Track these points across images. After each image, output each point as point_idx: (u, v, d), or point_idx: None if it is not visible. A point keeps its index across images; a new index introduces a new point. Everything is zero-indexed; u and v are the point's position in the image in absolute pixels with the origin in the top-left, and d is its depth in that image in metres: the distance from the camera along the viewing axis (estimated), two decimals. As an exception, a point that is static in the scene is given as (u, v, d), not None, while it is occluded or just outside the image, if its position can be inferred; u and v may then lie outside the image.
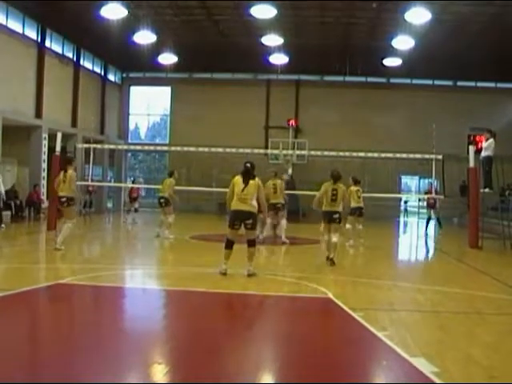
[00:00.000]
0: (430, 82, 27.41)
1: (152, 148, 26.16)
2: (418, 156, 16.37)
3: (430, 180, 19.46)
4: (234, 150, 17.37)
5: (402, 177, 28.38)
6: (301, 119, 27.35)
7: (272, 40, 21.98)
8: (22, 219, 18.56)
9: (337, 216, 9.57)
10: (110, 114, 27.71)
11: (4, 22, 18.80)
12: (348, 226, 13.16)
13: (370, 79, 27.62)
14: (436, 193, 17.41)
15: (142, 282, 8.27)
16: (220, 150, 17.92)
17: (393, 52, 22.98)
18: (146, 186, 23.68)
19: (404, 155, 16.92)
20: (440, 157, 15.25)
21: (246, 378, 3.96)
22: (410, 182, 31.14)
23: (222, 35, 24.26)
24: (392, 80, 27.42)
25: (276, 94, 27.87)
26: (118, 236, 16.70)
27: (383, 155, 17.81)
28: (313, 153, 21.23)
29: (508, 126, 24.29)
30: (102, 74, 26.99)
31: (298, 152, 23.03)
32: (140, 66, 27.22)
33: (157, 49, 23.25)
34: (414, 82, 27.51)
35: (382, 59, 24.39)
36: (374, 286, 7.82)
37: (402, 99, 26.71)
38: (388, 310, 6.32)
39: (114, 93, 28.30)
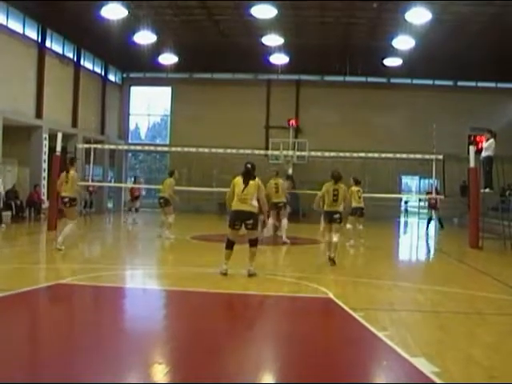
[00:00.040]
0: (430, 81, 27.41)
1: (152, 148, 26.17)
2: (419, 156, 16.37)
3: (430, 181, 19.44)
4: (234, 150, 17.37)
5: (403, 177, 28.37)
6: (301, 119, 27.35)
7: (272, 40, 21.98)
8: (23, 219, 18.56)
9: (338, 216, 9.59)
10: (111, 114, 27.72)
11: (4, 22, 18.81)
12: (349, 226, 13.16)
13: (370, 79, 27.62)
14: (437, 191, 17.37)
15: (143, 282, 8.26)
16: (220, 150, 17.93)
17: (393, 52, 22.98)
18: (146, 186, 23.68)
19: (404, 155, 16.92)
20: (440, 157, 15.25)
21: (247, 378, 3.96)
22: (410, 182, 31.13)
23: (223, 35, 24.27)
24: (392, 80, 27.42)
25: (276, 94, 27.88)
26: (119, 236, 16.70)
27: (383, 155, 17.81)
28: (313, 153, 21.24)
29: (508, 125, 24.28)
30: (103, 74, 27.00)
31: (298, 153, 23.02)
32: (140, 66, 27.23)
33: (157, 49, 23.25)
34: (415, 81, 27.51)
35: (383, 59, 24.39)
36: (375, 286, 7.82)
37: (403, 99, 26.71)
38: (388, 310, 6.32)
39: (114, 93, 28.31)
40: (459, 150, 20.54)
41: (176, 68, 25.54)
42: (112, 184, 26.09)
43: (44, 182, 20.13)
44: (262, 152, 21.03)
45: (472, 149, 14.36)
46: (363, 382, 4.10)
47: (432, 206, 19.68)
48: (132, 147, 27.57)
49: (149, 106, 30.05)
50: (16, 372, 3.87)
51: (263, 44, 22.48)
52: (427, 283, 8.54)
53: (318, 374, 4.01)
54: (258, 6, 19.12)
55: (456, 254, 12.77)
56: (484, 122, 21.63)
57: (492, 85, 26.93)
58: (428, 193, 19.89)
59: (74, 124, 23.55)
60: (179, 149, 20.26)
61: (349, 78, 27.22)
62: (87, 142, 19.83)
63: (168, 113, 29.52)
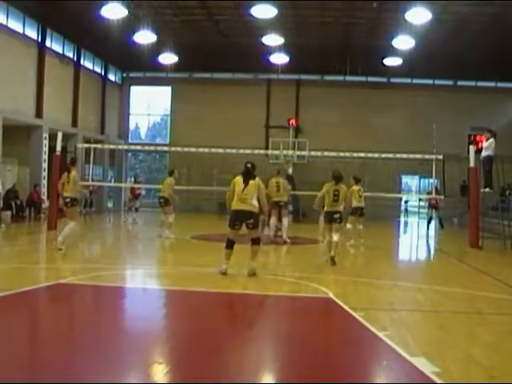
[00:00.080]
0: (430, 81, 27.39)
1: (152, 148, 26.16)
2: (419, 156, 16.34)
3: (431, 180, 19.42)
4: (234, 150, 17.38)
5: (403, 176, 28.37)
6: (301, 119, 27.34)
7: (272, 40, 21.96)
8: (23, 219, 18.56)
9: (338, 216, 9.61)
10: (111, 114, 27.71)
11: (4, 22, 18.80)
12: (349, 225, 13.16)
13: (370, 79, 27.60)
14: (437, 191, 17.35)
15: (143, 282, 8.26)
16: (220, 150, 17.92)
17: (393, 52, 22.96)
18: (146, 185, 23.67)
19: (404, 155, 16.90)
20: (440, 157, 15.25)
21: (247, 378, 3.95)
22: (410, 181, 31.14)
23: (223, 35, 24.25)
24: (392, 80, 27.40)
25: (276, 94, 27.87)
26: (119, 236, 16.70)
27: (383, 155, 17.78)
28: (313, 153, 21.24)
29: (508, 125, 24.26)
30: (103, 73, 26.99)
31: (298, 153, 23.02)
32: (140, 66, 27.22)
33: (157, 49, 23.24)
34: (415, 81, 27.48)
35: (383, 59, 24.38)
36: (375, 286, 7.82)
37: (403, 99, 26.69)
38: (388, 309, 6.32)
39: (114, 93, 28.30)
40: (459, 149, 20.55)
41: (176, 68, 25.53)
42: (112, 184, 26.09)
43: (44, 182, 20.12)
44: (262, 152, 21.01)
45: (472, 148, 14.36)
46: (363, 382, 4.10)
47: (432, 205, 19.67)
48: (132, 147, 27.58)
49: (149, 106, 30.05)
50: (16, 372, 3.87)
51: (263, 44, 22.45)
52: (427, 283, 8.54)
53: (318, 374, 4.01)
54: (257, 5, 19.11)
55: (456, 253, 12.77)
56: (484, 121, 21.64)
57: (492, 84, 26.91)
58: (429, 193, 19.87)
59: (74, 124, 23.54)
60: (179, 148, 20.24)
61: (349, 78, 27.21)
62: (87, 141, 19.83)
63: (168, 112, 29.50)
